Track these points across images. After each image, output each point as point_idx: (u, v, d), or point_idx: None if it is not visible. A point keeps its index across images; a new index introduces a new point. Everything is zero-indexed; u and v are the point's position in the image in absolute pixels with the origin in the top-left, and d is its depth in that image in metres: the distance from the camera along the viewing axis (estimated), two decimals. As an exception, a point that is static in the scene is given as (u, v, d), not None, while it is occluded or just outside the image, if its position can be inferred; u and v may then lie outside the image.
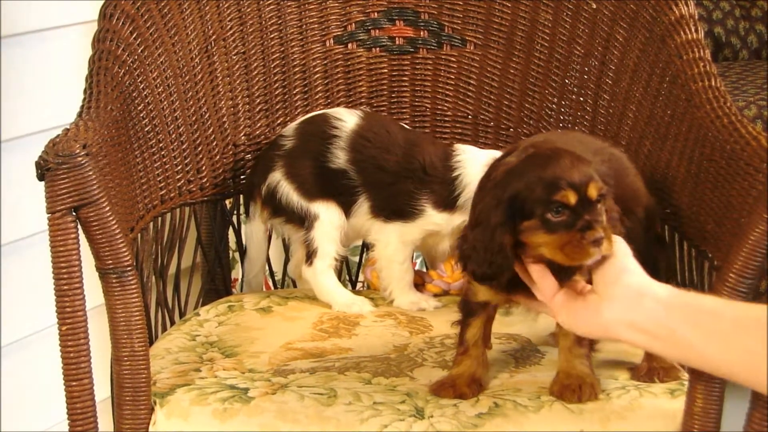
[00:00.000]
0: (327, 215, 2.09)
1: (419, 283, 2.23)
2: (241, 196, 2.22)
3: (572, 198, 1.61)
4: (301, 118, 2.17)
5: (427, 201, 2.07)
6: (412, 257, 2.25)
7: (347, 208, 2.10)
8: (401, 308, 2.11)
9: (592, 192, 1.62)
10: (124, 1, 2.01)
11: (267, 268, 2.29)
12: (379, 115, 2.23)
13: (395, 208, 2.09)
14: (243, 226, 2.23)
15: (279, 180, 2.11)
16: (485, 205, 1.67)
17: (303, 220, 2.09)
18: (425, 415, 1.72)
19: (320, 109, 2.29)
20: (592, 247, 1.60)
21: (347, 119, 2.11)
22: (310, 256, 2.10)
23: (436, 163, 2.07)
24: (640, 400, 1.75)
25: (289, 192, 2.10)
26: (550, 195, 1.61)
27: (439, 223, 2.08)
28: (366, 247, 2.34)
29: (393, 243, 2.10)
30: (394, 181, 2.08)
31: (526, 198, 1.63)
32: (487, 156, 2.06)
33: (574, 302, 1.62)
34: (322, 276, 2.10)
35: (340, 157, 2.09)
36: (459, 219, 2.06)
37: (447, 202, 2.06)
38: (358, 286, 2.38)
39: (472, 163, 2.06)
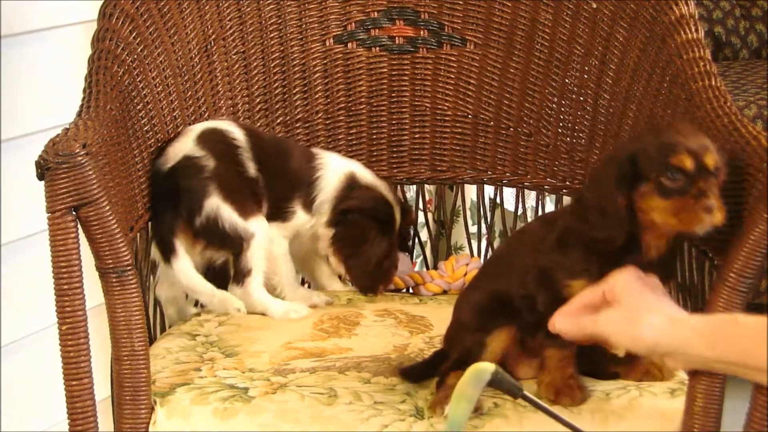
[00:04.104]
0: (261, 232, 2.04)
1: (419, 282, 2.23)
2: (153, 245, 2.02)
3: (689, 163, 1.62)
4: (187, 135, 2.04)
5: (298, 203, 2.10)
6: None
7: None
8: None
9: (709, 161, 1.63)
10: (124, 1, 2.01)
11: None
12: (245, 123, 2.19)
13: (274, 211, 2.09)
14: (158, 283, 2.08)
15: (218, 204, 2.00)
16: (601, 168, 1.68)
17: (240, 241, 2.01)
18: (425, 415, 1.72)
19: (320, 109, 2.29)
20: (704, 213, 1.61)
21: (233, 130, 2.06)
22: (243, 276, 2.03)
23: (303, 165, 2.12)
24: (640, 399, 1.75)
25: (230, 214, 2.00)
26: (667, 158, 1.62)
27: (303, 224, 2.11)
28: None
29: (276, 239, 2.09)
30: (278, 185, 2.09)
31: (642, 160, 1.63)
32: (347, 165, 2.14)
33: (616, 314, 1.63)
34: (256, 293, 2.04)
35: (251, 168, 2.06)
36: (313, 221, 2.11)
37: (309, 203, 2.11)
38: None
39: (332, 169, 2.13)
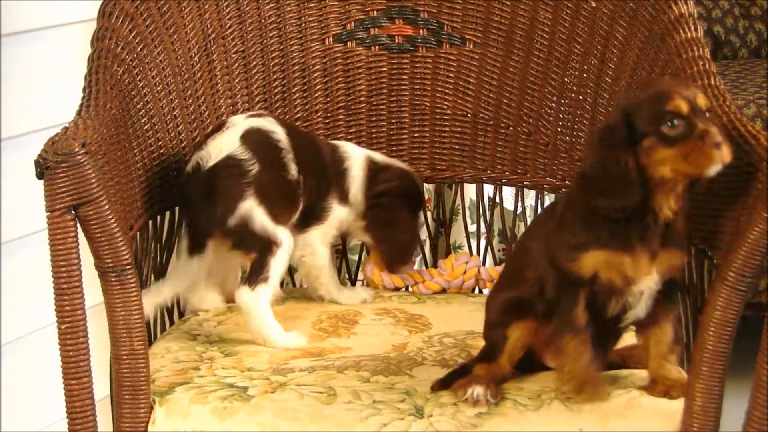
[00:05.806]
0: (287, 242, 1.97)
1: (418, 280, 2.23)
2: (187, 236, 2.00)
3: (684, 107, 1.63)
4: (231, 130, 1.98)
5: (333, 197, 2.10)
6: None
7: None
8: (346, 303, 2.13)
9: (701, 102, 1.64)
10: (124, 0, 2.01)
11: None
12: (283, 119, 2.16)
13: (309, 213, 2.07)
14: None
15: (253, 207, 1.93)
16: (598, 136, 1.67)
17: (269, 244, 1.94)
18: (425, 414, 1.72)
19: (320, 108, 2.29)
20: (714, 150, 1.61)
21: (276, 130, 2.01)
22: (258, 281, 1.94)
23: (332, 158, 2.11)
24: (639, 399, 1.75)
25: (262, 217, 1.94)
26: (662, 107, 1.63)
27: (343, 219, 2.11)
28: (365, 245, 2.34)
29: (319, 249, 2.10)
30: (316, 183, 2.06)
31: (638, 116, 1.64)
32: (362, 151, 2.15)
33: None
34: (264, 303, 1.95)
35: (293, 169, 2.01)
36: (352, 215, 2.11)
37: (344, 195, 2.11)
38: (358, 284, 2.37)
39: (355, 157, 2.13)
